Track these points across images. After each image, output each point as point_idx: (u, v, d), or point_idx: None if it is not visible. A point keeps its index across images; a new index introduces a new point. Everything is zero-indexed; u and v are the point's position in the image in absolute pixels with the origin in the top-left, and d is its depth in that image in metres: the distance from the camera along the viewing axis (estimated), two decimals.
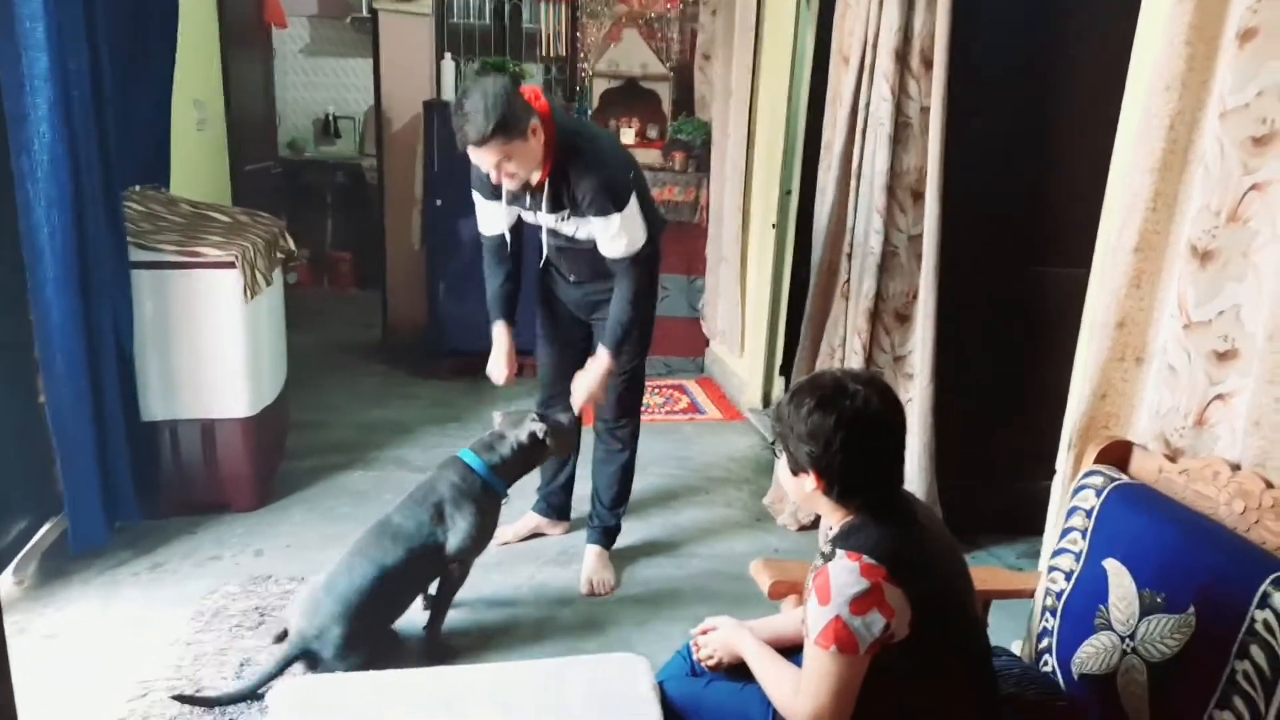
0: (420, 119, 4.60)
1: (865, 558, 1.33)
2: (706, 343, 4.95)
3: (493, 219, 2.66)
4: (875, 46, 2.76)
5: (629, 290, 2.52)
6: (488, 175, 2.40)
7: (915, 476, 2.87)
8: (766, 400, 4.32)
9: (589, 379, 2.58)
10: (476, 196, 2.64)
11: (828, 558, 1.38)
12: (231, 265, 2.79)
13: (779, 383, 4.29)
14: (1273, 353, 1.49)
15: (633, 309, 2.54)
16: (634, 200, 2.46)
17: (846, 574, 1.32)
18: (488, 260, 2.76)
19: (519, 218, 2.66)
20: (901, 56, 2.66)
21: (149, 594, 2.59)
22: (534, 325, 2.92)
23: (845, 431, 1.35)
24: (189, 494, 2.98)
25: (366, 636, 2.11)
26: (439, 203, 4.40)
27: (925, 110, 2.67)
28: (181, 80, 3.69)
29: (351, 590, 2.10)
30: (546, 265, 2.74)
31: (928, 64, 2.65)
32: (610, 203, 2.40)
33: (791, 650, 1.62)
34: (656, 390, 4.59)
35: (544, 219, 2.54)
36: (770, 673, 1.50)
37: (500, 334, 2.76)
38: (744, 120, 4.16)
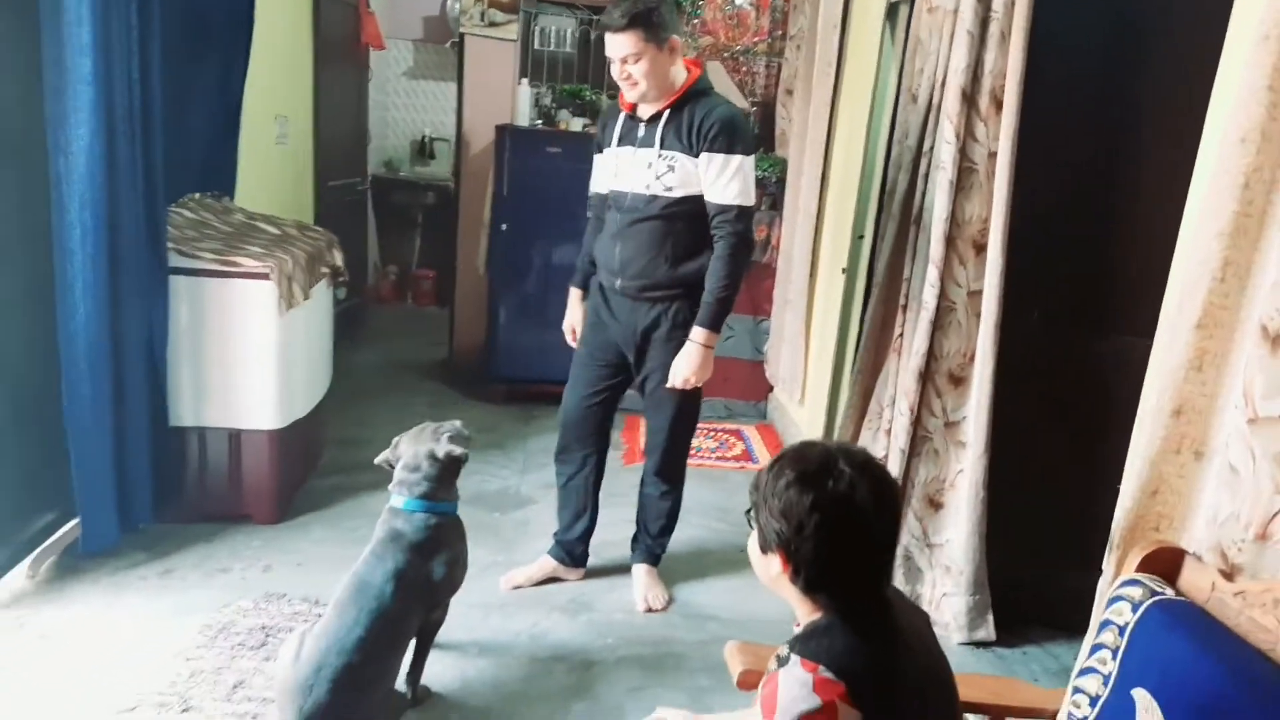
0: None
1: (822, 669, 1.14)
2: (770, 388, 4.74)
3: (602, 175, 2.71)
4: (943, 85, 2.55)
5: (727, 249, 2.47)
6: (604, 123, 2.66)
7: (962, 558, 2.61)
8: None
9: (685, 360, 2.53)
10: (596, 157, 2.75)
11: (782, 661, 1.20)
12: (266, 276, 2.78)
13: (840, 436, 4.04)
14: None
15: (729, 270, 2.48)
16: (751, 163, 2.49)
17: (797, 686, 1.13)
18: (591, 219, 2.82)
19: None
20: (969, 96, 2.45)
21: (154, 601, 2.57)
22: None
23: (820, 516, 1.17)
24: (212, 501, 2.97)
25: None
26: (504, 227, 4.37)
27: (992, 155, 2.44)
28: (264, 94, 3.79)
29: (342, 668, 1.91)
30: (599, 288, 2.72)
31: (998, 105, 2.42)
32: (737, 143, 2.45)
33: None
34: (711, 434, 4.40)
35: (643, 160, 2.52)
36: None
37: (575, 300, 2.84)
38: (819, 159, 3.97)
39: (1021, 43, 2.31)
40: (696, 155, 2.46)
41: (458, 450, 2.16)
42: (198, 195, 3.16)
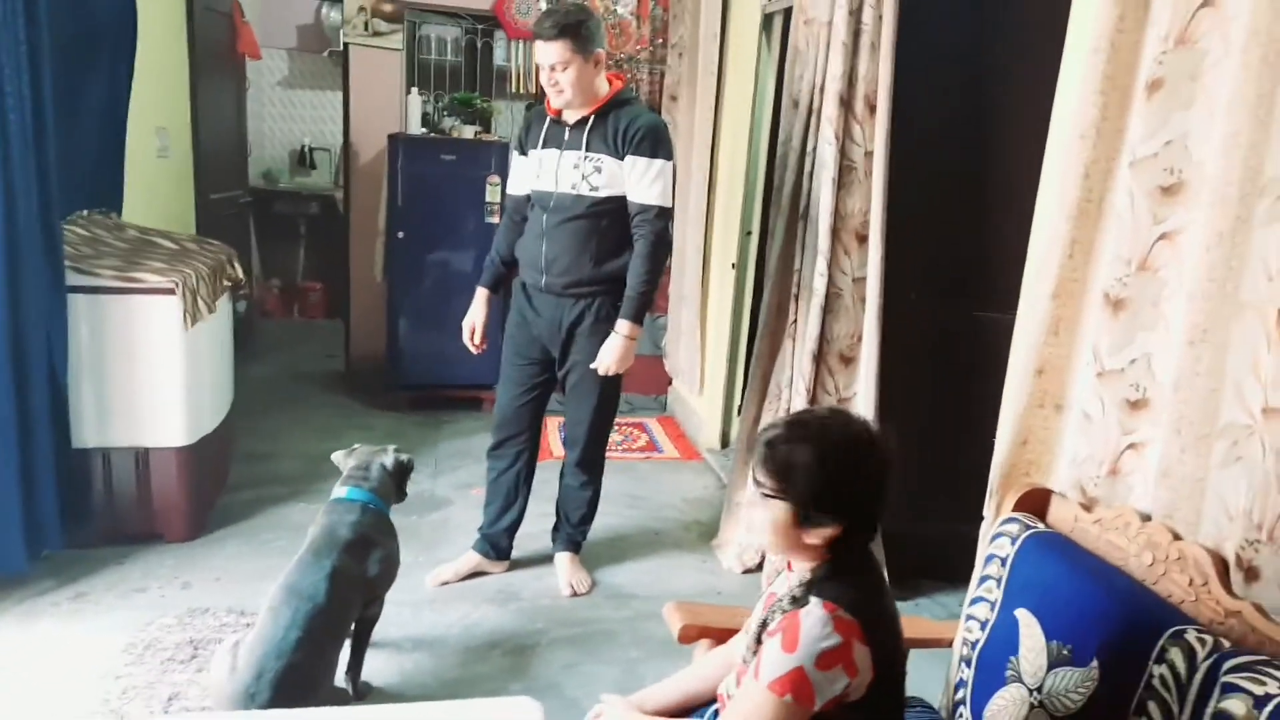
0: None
1: (841, 611, 1.26)
2: (669, 381, 4.93)
3: (523, 177, 2.81)
4: (822, 91, 2.78)
5: (646, 247, 2.62)
6: (527, 126, 2.78)
7: None
8: (725, 440, 4.29)
9: (609, 350, 2.65)
10: (514, 156, 2.91)
11: (799, 602, 1.31)
12: (170, 292, 2.76)
13: (737, 423, 4.25)
14: (1180, 403, 1.48)
15: (649, 267, 2.62)
16: (671, 169, 2.65)
17: (819, 625, 1.25)
18: (505, 219, 2.94)
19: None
20: (846, 101, 2.68)
21: (70, 625, 2.51)
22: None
23: (871, 465, 1.34)
24: (121, 523, 2.91)
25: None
26: (401, 235, 4.40)
27: (869, 154, 2.69)
28: (144, 107, 3.70)
29: (281, 668, 1.91)
30: (521, 287, 2.82)
31: (871, 109, 2.67)
32: (659, 148, 2.61)
33: (697, 709, 1.57)
34: (617, 427, 4.52)
35: (569, 162, 2.64)
36: None
37: (480, 300, 2.90)
38: (706, 161, 4.18)
39: (890, 53, 2.56)
40: (622, 158, 2.61)
41: (405, 457, 2.36)
42: (86, 212, 3.08)
